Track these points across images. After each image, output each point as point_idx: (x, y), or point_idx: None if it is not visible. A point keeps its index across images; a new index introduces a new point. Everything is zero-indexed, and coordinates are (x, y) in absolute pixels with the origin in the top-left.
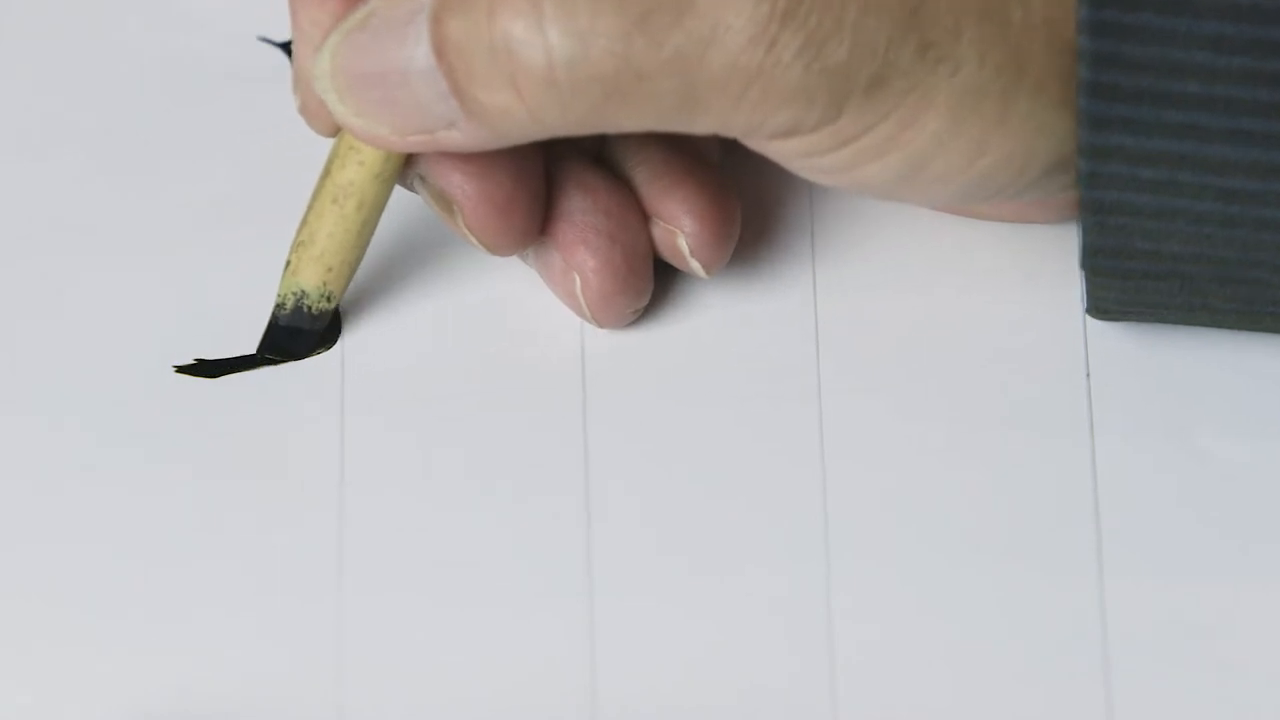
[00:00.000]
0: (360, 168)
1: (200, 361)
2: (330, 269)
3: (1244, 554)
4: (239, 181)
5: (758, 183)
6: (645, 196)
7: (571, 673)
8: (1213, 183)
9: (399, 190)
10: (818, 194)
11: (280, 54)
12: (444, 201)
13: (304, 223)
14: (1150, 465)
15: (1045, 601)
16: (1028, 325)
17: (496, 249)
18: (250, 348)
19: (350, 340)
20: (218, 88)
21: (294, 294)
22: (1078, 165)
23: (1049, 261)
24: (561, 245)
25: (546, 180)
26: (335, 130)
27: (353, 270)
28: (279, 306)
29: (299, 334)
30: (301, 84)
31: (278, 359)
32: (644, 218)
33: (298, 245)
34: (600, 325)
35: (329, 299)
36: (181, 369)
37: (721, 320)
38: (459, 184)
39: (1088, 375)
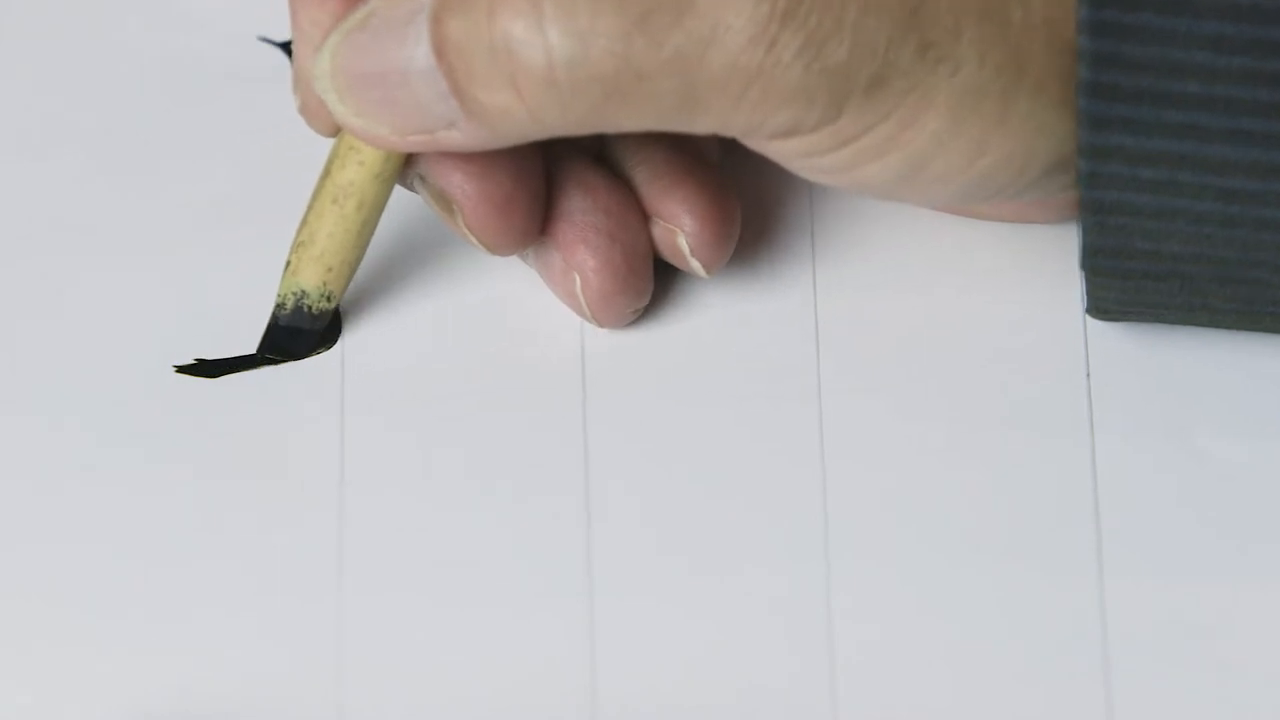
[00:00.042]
0: (360, 168)
1: (200, 361)
2: (330, 269)
3: (1243, 554)
4: (239, 181)
5: (758, 183)
6: (645, 196)
7: (571, 673)
8: (1213, 183)
9: (399, 190)
10: (818, 194)
11: (280, 54)
12: (444, 201)
13: (304, 223)
14: (1150, 465)
15: (1045, 601)
16: (1028, 325)
17: (496, 249)
18: (250, 348)
19: (350, 340)
20: (218, 88)
21: (294, 294)
22: (1078, 165)
23: (1049, 261)
24: (561, 245)
25: (546, 180)
26: (335, 130)
27: (353, 270)
28: (279, 306)
29: (299, 334)
30: (301, 84)
31: (278, 359)
32: (644, 217)
33: (298, 245)
34: (600, 325)
35: (329, 299)
36: (181, 369)
37: (721, 320)
38: (459, 184)
39: (1088, 375)
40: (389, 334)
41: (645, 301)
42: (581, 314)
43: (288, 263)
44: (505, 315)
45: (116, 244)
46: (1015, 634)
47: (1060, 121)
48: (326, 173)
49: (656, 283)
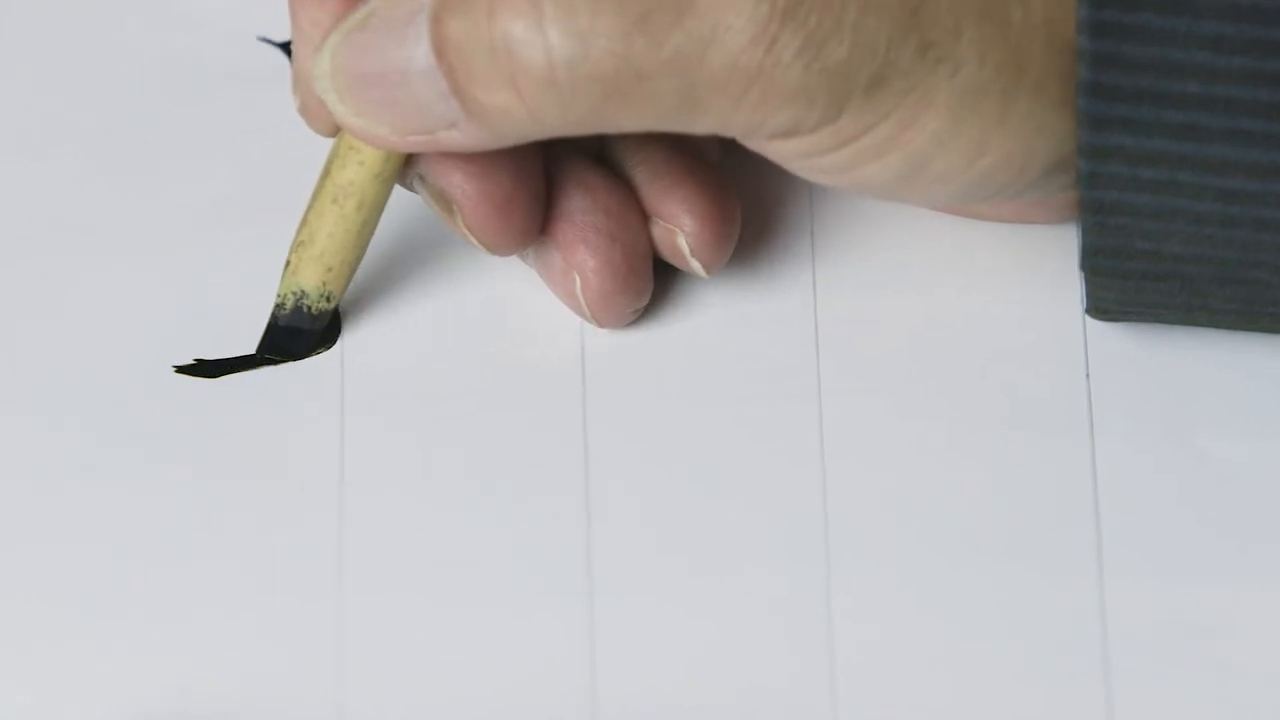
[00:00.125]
0: (360, 168)
1: (200, 361)
2: (330, 269)
3: (1243, 554)
4: (239, 181)
5: (758, 183)
6: (645, 196)
7: (571, 673)
8: (1213, 183)
9: (398, 190)
10: (818, 194)
11: (280, 54)
12: (444, 201)
13: (304, 223)
14: (1150, 465)
15: (1045, 601)
16: (1028, 325)
17: (496, 249)
18: (250, 348)
19: (350, 340)
20: (218, 88)
21: (294, 294)
22: (1077, 165)
23: (1049, 262)
24: (561, 245)
25: (546, 180)
26: (335, 130)
27: (352, 270)
28: (279, 306)
29: (299, 334)
30: (301, 84)
31: (278, 359)
32: (644, 217)
33: (297, 245)
34: (600, 325)
35: (329, 299)
36: (181, 369)
37: (721, 320)
38: (459, 184)
39: (1088, 375)
40: (389, 334)
41: (645, 301)
42: (581, 314)
43: (287, 262)
44: (505, 315)
45: (116, 244)
46: (1015, 634)
47: (1060, 121)
48: (326, 172)
49: (656, 283)
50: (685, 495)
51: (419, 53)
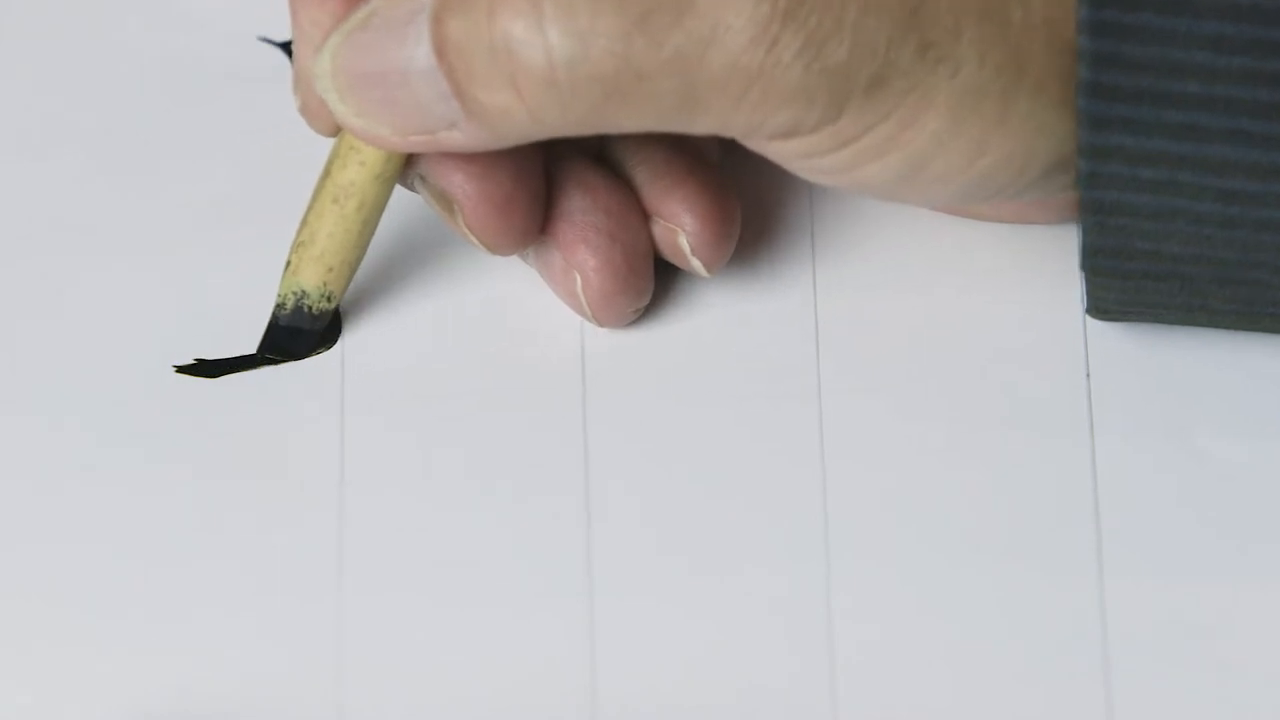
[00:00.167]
0: (361, 168)
1: (200, 361)
2: (331, 269)
3: (1243, 554)
4: (239, 181)
5: (758, 183)
6: (646, 195)
7: (571, 673)
8: (1212, 183)
9: (397, 190)
10: (818, 194)
11: (280, 54)
12: (444, 201)
13: (304, 223)
14: (1150, 465)
15: (1045, 601)
16: (1028, 325)
17: (497, 248)
18: (250, 348)
19: (350, 340)
20: (218, 88)
21: (294, 294)
22: (1077, 165)
23: (1049, 262)
24: (562, 244)
25: (547, 179)
26: (336, 130)
27: (353, 270)
28: (279, 306)
29: (299, 334)
30: (302, 84)
31: (278, 359)
32: (644, 217)
33: (298, 245)
34: (601, 324)
35: (329, 299)
36: (181, 369)
37: (721, 320)
38: (460, 184)
39: (1088, 375)
40: (389, 334)
41: (646, 301)
42: (582, 314)
43: (288, 262)
44: (505, 315)
45: (116, 244)
46: (1015, 634)
47: (1060, 121)
48: (327, 173)
49: (656, 283)
50: (685, 495)
51: (419, 53)
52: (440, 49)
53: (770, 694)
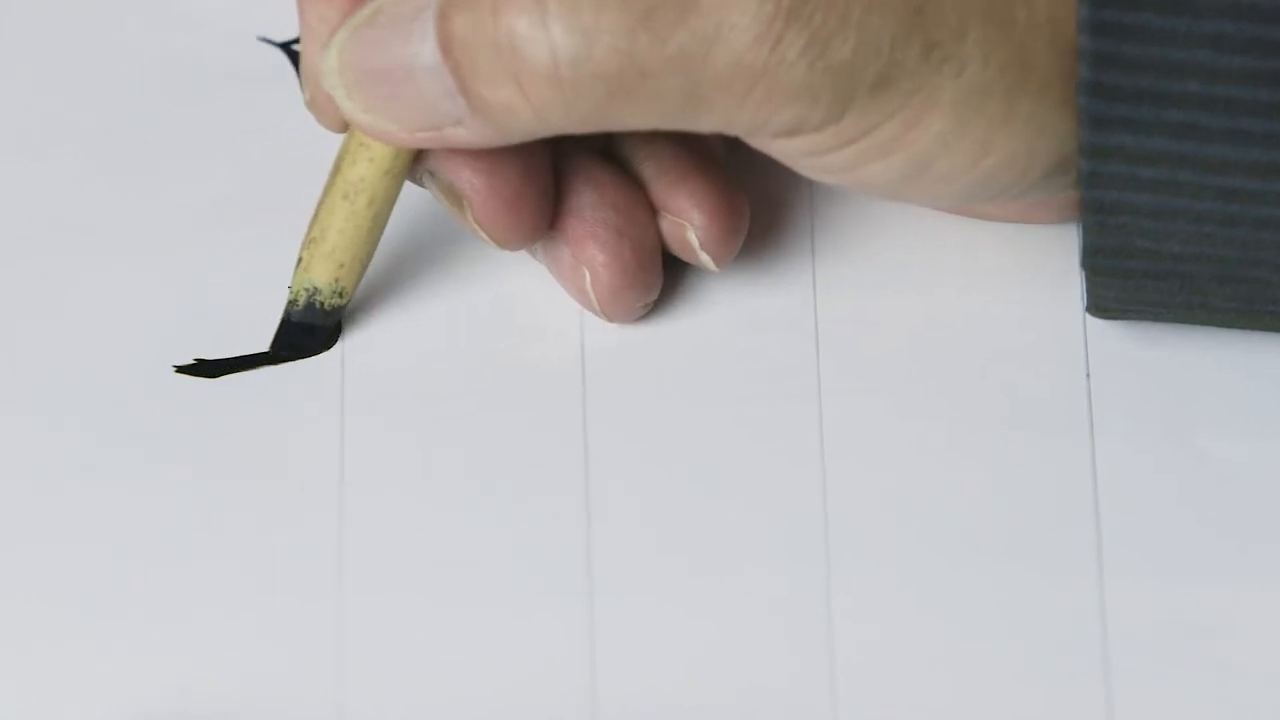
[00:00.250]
0: (370, 164)
1: (200, 361)
2: (342, 265)
3: (1243, 554)
4: (239, 181)
5: (758, 182)
6: (653, 191)
7: (571, 673)
8: (1213, 182)
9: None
10: (818, 194)
11: (280, 54)
12: (454, 196)
13: (315, 219)
14: (1150, 465)
15: (1045, 601)
16: (1028, 325)
17: (506, 244)
18: (250, 348)
19: (351, 340)
20: (218, 88)
21: (306, 290)
22: (1078, 164)
23: (1049, 261)
24: (571, 240)
25: (555, 175)
26: (344, 126)
27: (364, 266)
28: (291, 303)
29: (312, 330)
30: (310, 80)
31: (285, 358)
32: (652, 212)
33: (309, 242)
34: (610, 319)
35: (341, 294)
36: (181, 369)
37: (721, 320)
38: (468, 179)
39: (1088, 375)
40: (389, 334)
41: (654, 296)
42: (591, 309)
43: (299, 259)
44: (505, 315)
45: (116, 244)
46: (1015, 634)
47: (1062, 122)
48: (337, 169)
49: None
50: (685, 495)
51: (425, 49)
52: (446, 45)
53: (770, 694)
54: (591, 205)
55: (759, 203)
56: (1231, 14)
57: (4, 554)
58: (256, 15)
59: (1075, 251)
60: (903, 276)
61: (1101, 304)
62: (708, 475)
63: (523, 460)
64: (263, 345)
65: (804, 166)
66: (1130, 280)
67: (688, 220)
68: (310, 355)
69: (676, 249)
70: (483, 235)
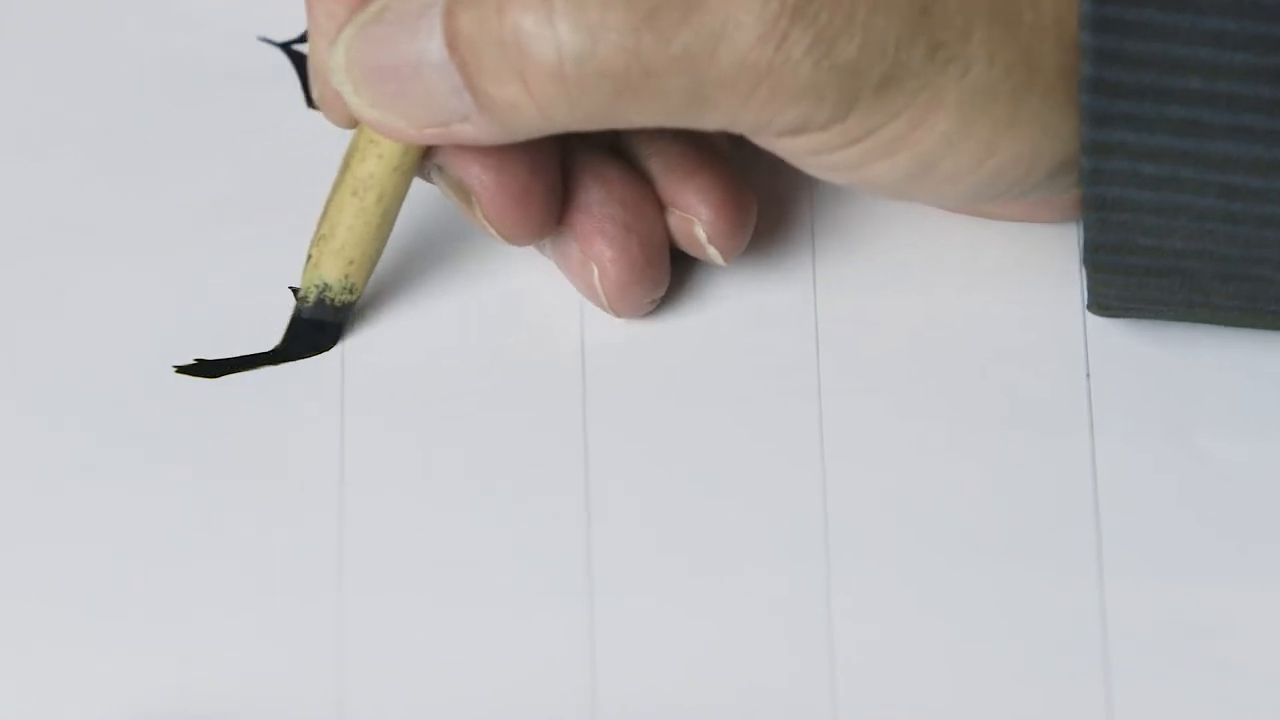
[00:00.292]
0: (379, 160)
1: (200, 361)
2: (352, 261)
3: (1243, 554)
4: (239, 181)
5: (759, 182)
6: (661, 186)
7: (571, 673)
8: (1215, 179)
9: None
10: (819, 193)
11: (280, 54)
12: (462, 192)
13: (324, 216)
14: (1150, 465)
15: (1045, 601)
16: (1029, 324)
17: (514, 239)
18: (250, 347)
19: (351, 340)
20: (218, 88)
21: (316, 287)
22: (1080, 161)
23: (1049, 261)
24: (579, 236)
25: (563, 171)
26: (352, 122)
27: (374, 262)
28: (301, 300)
29: (322, 326)
30: (318, 77)
31: (298, 354)
32: (660, 208)
33: (319, 239)
34: (618, 315)
35: (351, 290)
36: (181, 369)
37: (721, 319)
38: (477, 175)
39: (1088, 375)
40: (389, 334)
41: (662, 291)
42: (599, 304)
43: (309, 256)
44: (504, 316)
45: (116, 244)
46: (1015, 634)
47: (1067, 122)
48: (346, 166)
49: None
50: (685, 495)
51: (432, 46)
52: (452, 42)
53: (770, 694)
54: (599, 201)
55: (760, 201)
56: (1233, 10)
57: (4, 554)
58: (256, 15)
59: (1075, 251)
60: (902, 276)
61: (1102, 301)
62: (708, 475)
63: (523, 460)
64: (263, 345)
65: (809, 165)
66: (1131, 277)
67: (695, 215)
68: (321, 352)
69: (684, 244)
70: (491, 231)
